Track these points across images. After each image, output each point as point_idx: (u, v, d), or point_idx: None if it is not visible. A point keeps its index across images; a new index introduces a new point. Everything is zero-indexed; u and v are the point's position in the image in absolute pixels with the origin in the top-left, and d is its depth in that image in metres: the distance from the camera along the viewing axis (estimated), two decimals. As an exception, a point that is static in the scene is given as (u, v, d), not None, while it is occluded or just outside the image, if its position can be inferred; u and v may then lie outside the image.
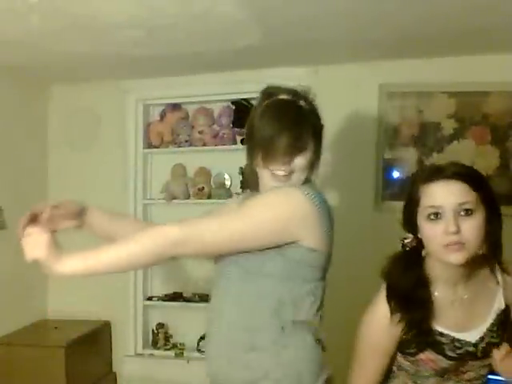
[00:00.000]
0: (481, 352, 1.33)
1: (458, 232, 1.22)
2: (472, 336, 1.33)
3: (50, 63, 2.73)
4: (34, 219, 1.40)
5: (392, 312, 1.31)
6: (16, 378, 2.71)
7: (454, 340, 1.32)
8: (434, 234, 1.25)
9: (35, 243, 1.24)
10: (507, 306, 1.36)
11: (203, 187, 2.97)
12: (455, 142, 2.57)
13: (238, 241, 1.31)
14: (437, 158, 2.58)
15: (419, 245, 1.33)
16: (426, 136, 2.62)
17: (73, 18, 2.05)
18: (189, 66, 2.77)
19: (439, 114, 2.61)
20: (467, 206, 1.23)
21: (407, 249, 1.35)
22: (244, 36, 2.28)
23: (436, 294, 1.33)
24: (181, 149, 3.06)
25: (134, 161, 3.11)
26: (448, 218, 1.23)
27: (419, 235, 1.31)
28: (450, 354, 1.32)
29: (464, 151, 2.56)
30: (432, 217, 1.25)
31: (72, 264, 1.25)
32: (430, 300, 1.32)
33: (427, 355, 1.33)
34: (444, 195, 1.24)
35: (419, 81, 2.61)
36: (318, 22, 2.12)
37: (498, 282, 1.36)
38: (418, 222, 1.30)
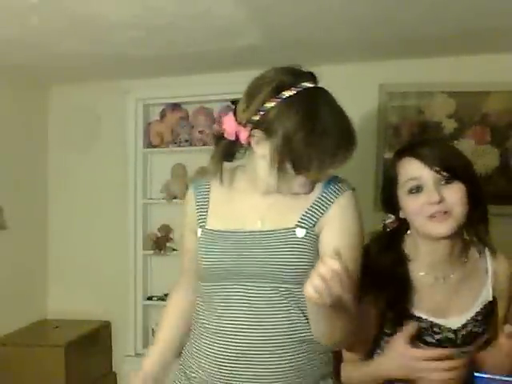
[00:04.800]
0: (461, 340, 1.28)
1: (441, 201, 1.19)
2: (452, 323, 1.28)
3: (49, 63, 2.72)
4: None
5: (365, 290, 1.21)
6: (16, 378, 2.71)
7: (432, 325, 1.27)
8: (417, 206, 1.22)
9: None
10: (494, 298, 1.31)
11: (203, 187, 2.96)
12: (455, 142, 2.57)
13: None
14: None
15: (401, 226, 1.32)
16: (426, 136, 2.62)
17: (73, 18, 2.05)
18: (189, 66, 2.77)
19: (439, 113, 2.60)
20: (446, 175, 1.21)
21: (388, 230, 1.34)
22: (244, 36, 2.28)
23: (418, 273, 1.29)
24: (181, 149, 3.06)
25: (134, 161, 3.11)
26: (429, 188, 1.21)
27: (401, 215, 1.29)
28: (428, 339, 1.27)
29: (464, 151, 2.54)
30: (413, 190, 1.23)
31: None
32: (409, 280, 1.27)
33: None
34: (421, 166, 1.22)
35: (419, 81, 2.61)
36: (318, 22, 2.12)
37: (487, 271, 1.31)
38: (400, 200, 1.27)
